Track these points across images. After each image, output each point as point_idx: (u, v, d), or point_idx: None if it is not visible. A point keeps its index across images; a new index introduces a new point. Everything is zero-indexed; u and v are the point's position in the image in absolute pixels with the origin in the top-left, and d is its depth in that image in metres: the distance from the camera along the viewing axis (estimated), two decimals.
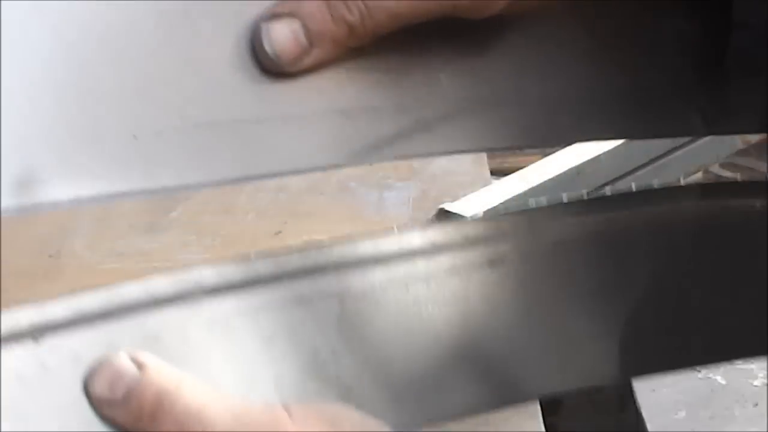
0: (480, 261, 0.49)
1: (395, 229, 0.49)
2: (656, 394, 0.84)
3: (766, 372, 0.85)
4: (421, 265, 0.48)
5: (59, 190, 0.40)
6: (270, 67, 0.43)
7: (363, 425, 0.40)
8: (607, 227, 0.51)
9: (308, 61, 0.43)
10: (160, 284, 0.44)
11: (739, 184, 0.53)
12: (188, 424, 0.39)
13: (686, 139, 1.05)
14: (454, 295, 0.48)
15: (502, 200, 0.96)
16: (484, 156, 1.07)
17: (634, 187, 0.52)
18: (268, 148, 0.43)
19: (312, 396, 0.45)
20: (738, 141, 1.09)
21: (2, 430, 0.39)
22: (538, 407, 0.78)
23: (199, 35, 0.42)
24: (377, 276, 0.47)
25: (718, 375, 0.85)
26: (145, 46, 0.42)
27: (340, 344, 0.46)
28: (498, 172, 1.06)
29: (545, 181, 0.99)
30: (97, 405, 0.41)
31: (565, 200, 0.51)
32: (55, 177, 0.40)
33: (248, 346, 0.45)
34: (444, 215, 0.95)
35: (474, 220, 0.50)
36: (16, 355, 0.40)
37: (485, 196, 0.96)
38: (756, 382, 0.85)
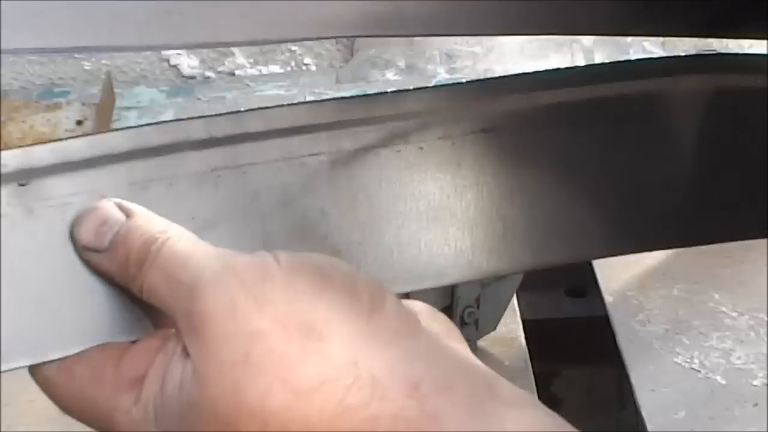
0: (473, 128, 0.48)
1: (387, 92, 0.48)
2: (656, 394, 0.84)
3: (766, 372, 0.85)
4: (414, 129, 0.47)
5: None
6: None
7: (352, 276, 0.39)
8: (601, 97, 0.50)
9: None
10: (148, 134, 0.43)
11: (738, 59, 0.51)
12: (175, 272, 0.38)
13: None
14: (446, 160, 0.47)
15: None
16: None
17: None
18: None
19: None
20: None
21: None
22: None
23: None
24: (369, 137, 0.46)
25: (718, 375, 0.86)
26: None
27: (329, 205, 0.45)
28: None
29: None
30: (83, 252, 0.40)
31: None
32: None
33: (235, 201, 0.44)
34: None
35: (469, 83, 0.49)
36: (2, 198, 0.40)
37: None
38: (756, 382, 0.85)
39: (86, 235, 0.40)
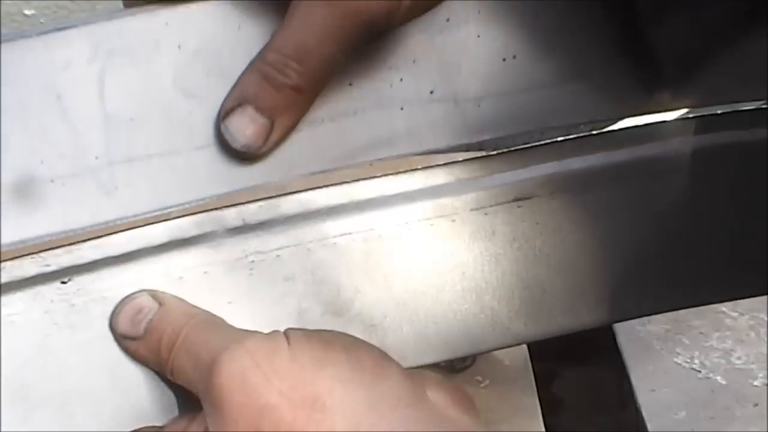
0: (506, 197, 0.49)
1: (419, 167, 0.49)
2: (656, 394, 0.84)
3: (766, 372, 0.85)
4: (446, 202, 0.48)
5: None
6: (246, 156, 0.44)
7: (357, 348, 0.42)
8: (614, 163, 0.50)
9: (276, 135, 0.44)
10: (184, 225, 0.45)
11: (731, 115, 0.52)
12: (198, 351, 0.42)
13: None
14: (479, 231, 0.48)
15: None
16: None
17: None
18: None
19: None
20: None
21: (33, 365, 0.42)
22: (538, 407, 0.78)
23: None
24: (402, 213, 0.48)
25: (718, 375, 0.86)
26: None
27: (364, 282, 0.47)
28: None
29: None
30: (121, 340, 0.44)
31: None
32: None
33: (270, 284, 0.46)
34: None
35: (500, 153, 0.50)
36: (46, 295, 0.43)
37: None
38: (756, 382, 0.85)
39: (123, 324, 0.44)
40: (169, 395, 0.44)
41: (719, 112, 0.51)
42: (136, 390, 0.44)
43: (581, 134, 0.50)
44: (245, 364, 0.40)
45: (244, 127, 0.43)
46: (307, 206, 0.47)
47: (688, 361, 0.87)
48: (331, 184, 0.47)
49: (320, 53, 0.43)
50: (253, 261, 0.46)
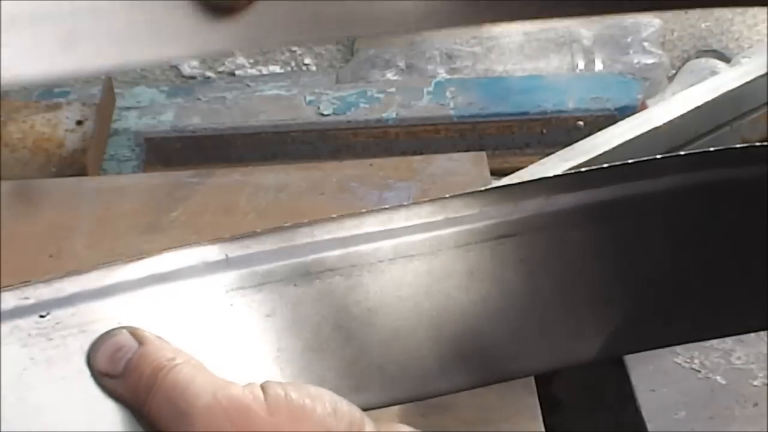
0: (488, 235, 0.49)
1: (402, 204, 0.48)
2: (656, 394, 0.84)
3: (766, 372, 0.85)
4: (426, 239, 0.48)
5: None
6: (221, 8, 0.40)
7: (333, 406, 0.42)
8: (603, 200, 0.50)
9: None
10: (164, 261, 0.44)
11: (730, 152, 0.52)
12: (175, 398, 0.41)
13: (685, 141, 1.05)
14: (461, 269, 0.48)
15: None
16: (483, 156, 1.07)
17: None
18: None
19: (314, 370, 0.46)
20: (738, 141, 1.09)
21: (9, 400, 0.41)
22: (538, 407, 0.78)
23: None
24: (382, 250, 0.47)
25: (718, 375, 0.85)
26: None
27: (343, 318, 0.46)
28: (498, 172, 1.06)
29: None
30: (99, 377, 0.43)
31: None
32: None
33: (249, 321, 0.45)
34: None
35: (482, 191, 0.50)
36: (24, 329, 0.42)
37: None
38: (756, 382, 0.85)
39: (102, 361, 0.43)
40: None
41: (711, 149, 0.51)
42: (114, 428, 0.43)
43: (568, 172, 0.50)
44: (221, 421, 0.40)
45: None
46: (288, 242, 0.46)
47: (688, 361, 0.87)
48: (313, 221, 0.47)
49: None
50: (233, 297, 0.45)
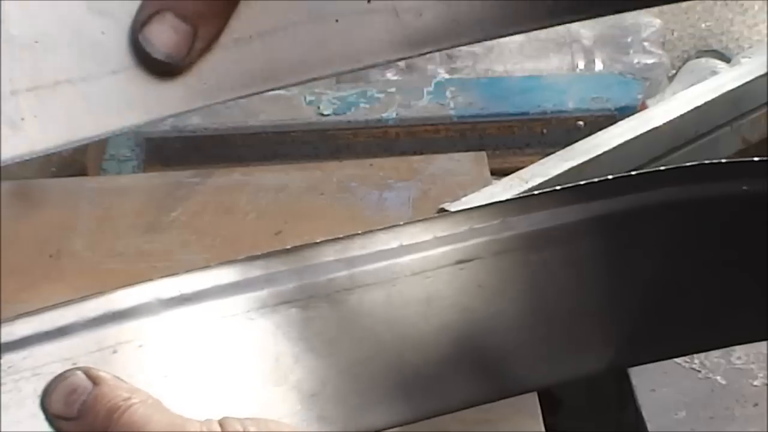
0: (448, 261, 0.48)
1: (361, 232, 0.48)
2: (656, 394, 0.84)
3: (766, 372, 0.85)
4: (387, 266, 0.47)
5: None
6: (169, 69, 0.41)
7: None
8: (586, 217, 0.50)
9: (200, 44, 0.40)
10: (119, 298, 0.44)
11: (728, 166, 0.52)
12: None
13: (685, 141, 1.05)
14: (423, 295, 0.48)
15: (502, 201, 0.95)
16: (484, 156, 1.07)
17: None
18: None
19: (275, 403, 0.45)
20: (738, 141, 1.09)
21: None
22: (538, 407, 0.78)
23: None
24: (341, 279, 0.46)
25: (718, 375, 0.85)
26: None
27: (303, 350, 0.46)
28: (498, 172, 1.06)
29: (545, 181, 0.99)
30: (54, 420, 0.42)
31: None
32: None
33: (208, 357, 0.44)
34: None
35: (444, 216, 0.49)
36: None
37: (485, 196, 0.96)
38: (756, 382, 0.85)
39: (56, 404, 0.42)
40: None
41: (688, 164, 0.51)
42: None
43: (526, 194, 0.50)
44: None
45: (165, 36, 0.40)
46: (246, 275, 0.45)
47: (688, 361, 0.87)
48: (268, 252, 0.46)
49: None
50: (190, 333, 0.44)
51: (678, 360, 0.87)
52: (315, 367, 0.46)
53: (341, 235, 0.47)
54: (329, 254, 0.47)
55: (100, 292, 0.44)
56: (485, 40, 0.45)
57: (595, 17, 0.46)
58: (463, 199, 0.96)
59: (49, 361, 0.42)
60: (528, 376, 0.50)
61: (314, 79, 0.43)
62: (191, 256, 0.94)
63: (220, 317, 0.45)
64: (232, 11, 0.41)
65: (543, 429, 0.77)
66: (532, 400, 0.78)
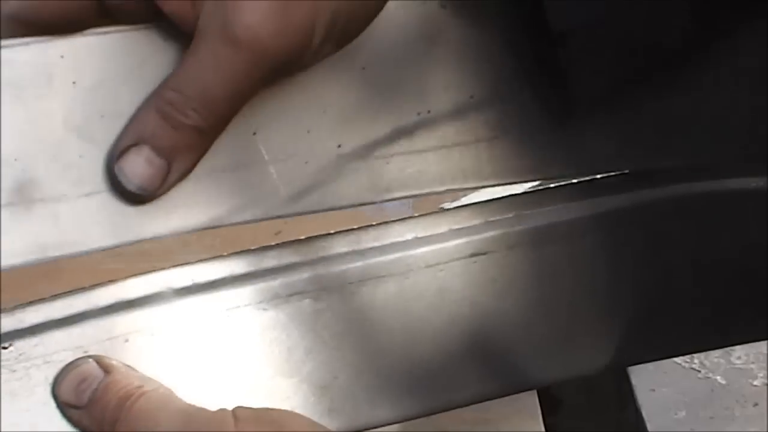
0: (462, 254, 0.48)
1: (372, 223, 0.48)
2: (656, 394, 0.84)
3: (766, 372, 0.85)
4: (400, 259, 0.47)
5: None
6: (140, 199, 0.42)
7: (304, 428, 0.41)
8: (592, 213, 0.50)
9: (174, 177, 0.42)
10: (131, 286, 0.44)
11: (733, 164, 0.52)
12: (141, 427, 0.40)
13: None
14: (436, 288, 0.47)
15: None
16: None
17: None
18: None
19: (286, 394, 0.45)
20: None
21: None
22: (538, 407, 0.78)
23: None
24: (354, 271, 0.46)
25: (718, 375, 0.86)
26: None
27: (314, 342, 0.46)
28: None
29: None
30: (64, 409, 0.42)
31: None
32: None
33: (220, 346, 0.44)
34: None
35: (458, 208, 0.49)
36: None
37: (485, 196, 0.96)
38: (756, 382, 0.85)
39: (66, 392, 0.42)
40: None
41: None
42: None
43: (538, 188, 0.50)
44: None
45: (140, 169, 0.41)
46: (257, 265, 0.45)
47: (688, 361, 0.87)
48: (281, 243, 0.46)
49: (224, 94, 0.41)
50: (202, 322, 0.44)
51: (678, 360, 0.87)
52: (326, 359, 0.46)
53: (355, 226, 0.47)
54: (342, 245, 0.47)
55: (112, 280, 0.44)
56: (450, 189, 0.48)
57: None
58: (463, 199, 0.96)
59: (60, 348, 0.42)
60: (536, 372, 0.50)
61: (279, 217, 0.45)
62: (191, 255, 0.94)
63: (232, 307, 0.45)
64: (209, 147, 0.42)
65: (543, 429, 0.77)
66: (532, 400, 0.78)
